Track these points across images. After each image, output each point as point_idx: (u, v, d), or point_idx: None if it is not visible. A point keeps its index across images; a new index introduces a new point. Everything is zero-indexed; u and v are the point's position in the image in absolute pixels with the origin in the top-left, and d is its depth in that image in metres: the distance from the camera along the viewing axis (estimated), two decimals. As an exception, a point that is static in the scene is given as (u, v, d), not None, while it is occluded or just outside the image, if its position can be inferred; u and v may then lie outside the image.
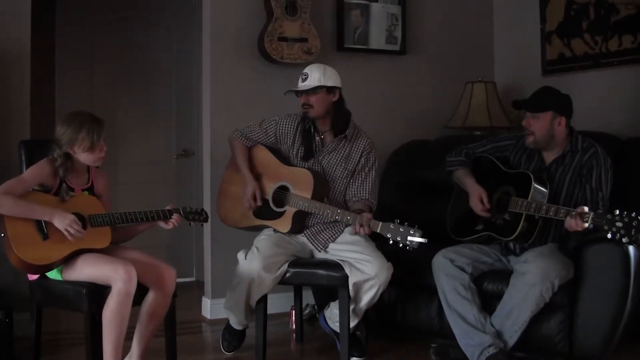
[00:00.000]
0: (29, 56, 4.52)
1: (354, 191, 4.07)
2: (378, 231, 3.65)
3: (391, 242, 3.58)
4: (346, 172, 4.07)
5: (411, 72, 5.59)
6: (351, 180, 4.09)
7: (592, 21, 5.05)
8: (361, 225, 3.67)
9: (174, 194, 6.22)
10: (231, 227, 4.24)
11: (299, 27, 4.98)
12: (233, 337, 4.23)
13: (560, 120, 3.79)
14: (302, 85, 3.98)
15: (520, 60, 5.65)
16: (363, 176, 4.07)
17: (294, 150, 4.12)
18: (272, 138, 4.18)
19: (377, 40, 5.42)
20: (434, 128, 5.51)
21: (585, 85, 5.06)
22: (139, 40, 6.25)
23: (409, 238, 3.52)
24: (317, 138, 4.10)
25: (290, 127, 4.14)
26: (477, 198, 3.90)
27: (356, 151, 4.08)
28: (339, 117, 4.07)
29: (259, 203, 4.04)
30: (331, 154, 4.08)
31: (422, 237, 3.51)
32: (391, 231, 3.58)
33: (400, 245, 3.55)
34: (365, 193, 4.06)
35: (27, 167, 3.64)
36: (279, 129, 4.16)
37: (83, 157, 3.47)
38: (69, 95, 6.04)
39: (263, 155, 4.18)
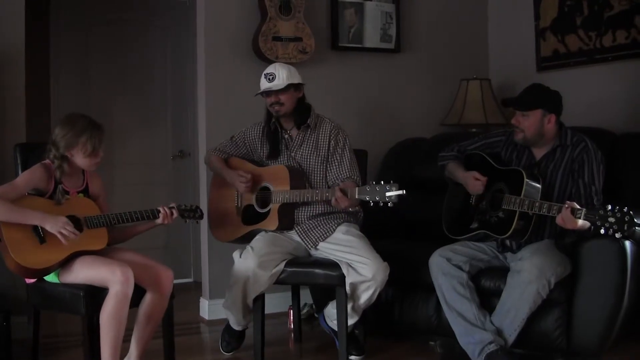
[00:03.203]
0: (24, 59, 4.52)
1: (335, 174, 4.10)
2: (357, 196, 3.71)
3: (372, 203, 3.63)
4: (320, 159, 4.11)
5: (406, 70, 5.59)
6: (328, 166, 4.12)
7: (586, 17, 5.05)
8: (336, 199, 3.76)
9: (170, 194, 6.20)
10: (226, 242, 4.26)
11: (293, 26, 4.98)
12: (232, 338, 4.23)
13: (550, 118, 3.80)
14: (274, 85, 4.02)
15: (515, 57, 5.66)
16: (338, 158, 4.11)
17: (264, 153, 4.19)
18: (243, 149, 4.28)
19: (371, 38, 5.42)
20: (429, 126, 5.51)
21: (580, 81, 5.07)
22: (134, 42, 6.26)
23: (387, 194, 3.57)
24: (286, 136, 4.15)
25: (257, 133, 4.24)
26: (473, 178, 3.91)
27: (323, 137, 4.13)
28: (302, 111, 4.14)
29: (248, 176, 4.05)
30: (302, 147, 4.13)
31: (399, 189, 3.55)
32: (368, 193, 3.64)
33: (381, 203, 3.60)
34: (346, 172, 4.09)
35: (22, 170, 3.65)
36: (247, 138, 4.26)
37: (81, 161, 3.48)
38: (64, 97, 6.03)
39: (238, 164, 4.25)
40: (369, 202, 3.64)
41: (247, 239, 4.09)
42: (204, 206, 4.82)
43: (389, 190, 3.56)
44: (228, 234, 4.23)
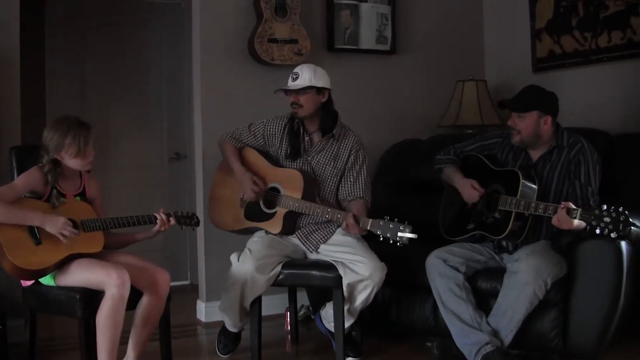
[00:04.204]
0: (19, 62, 4.51)
1: (348, 191, 4.07)
2: (368, 228, 3.68)
3: (381, 238, 3.61)
4: (335, 170, 4.08)
5: (402, 71, 5.60)
6: (342, 180, 4.09)
7: (581, 18, 5.06)
8: (347, 224, 3.72)
9: (166, 197, 6.22)
10: (224, 230, 4.24)
11: (289, 28, 4.98)
12: (228, 340, 4.22)
13: (546, 119, 3.80)
14: (293, 85, 3.99)
15: (511, 58, 5.67)
16: (354, 175, 4.08)
17: (282, 150, 4.13)
18: (261, 140, 4.19)
19: (367, 40, 5.43)
20: (425, 127, 5.52)
21: (576, 82, 5.08)
22: (130, 44, 6.25)
23: (399, 234, 3.54)
24: (307, 138, 4.10)
25: (278, 129, 4.16)
26: (470, 187, 3.91)
27: (344, 150, 4.09)
28: (327, 117, 4.08)
29: (262, 186, 4.03)
30: (320, 154, 4.09)
31: (412, 232, 3.53)
32: (381, 228, 3.61)
33: (391, 241, 3.58)
34: (359, 191, 4.06)
35: (18, 174, 3.64)
36: (267, 131, 4.17)
37: (71, 162, 3.47)
38: (60, 100, 6.03)
39: (253, 157, 4.19)
40: (379, 236, 3.63)
41: (245, 232, 4.10)
42: (200, 209, 4.83)
43: (402, 231, 3.54)
44: (227, 223, 4.21)
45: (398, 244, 3.56)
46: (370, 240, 3.95)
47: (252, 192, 4.01)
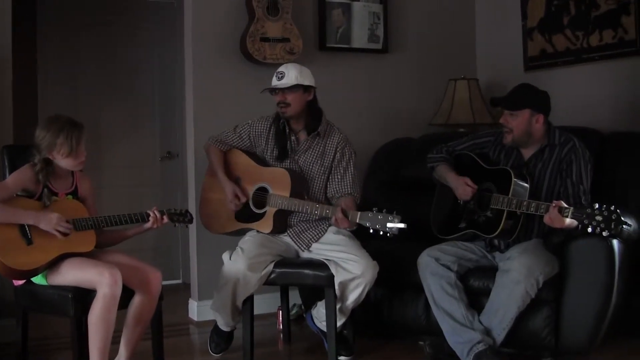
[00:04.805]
0: (10, 60, 4.49)
1: (336, 187, 4.08)
2: (357, 221, 3.69)
3: (371, 230, 3.61)
4: (323, 168, 4.08)
5: (394, 70, 5.60)
6: (330, 177, 4.10)
7: (573, 17, 5.07)
8: (336, 219, 3.73)
9: (158, 196, 6.20)
10: (215, 233, 4.25)
11: (280, 27, 4.98)
12: (221, 339, 4.22)
13: (538, 118, 3.81)
14: (280, 84, 3.99)
15: (502, 57, 5.68)
16: (342, 171, 4.09)
17: (269, 151, 4.13)
18: (247, 142, 4.20)
19: (359, 39, 5.43)
20: (417, 126, 5.51)
21: (567, 81, 5.10)
22: (122, 43, 6.23)
23: (389, 225, 3.55)
24: (293, 137, 4.11)
25: (264, 129, 4.16)
26: (464, 184, 3.91)
27: (330, 147, 4.10)
28: (313, 115, 4.09)
29: (243, 200, 4.05)
30: (307, 153, 4.09)
31: (401, 222, 3.54)
32: (370, 220, 3.61)
33: (381, 232, 3.59)
34: (347, 188, 4.07)
35: (10, 173, 3.63)
36: (253, 132, 4.18)
37: (63, 162, 3.45)
38: (52, 99, 6.00)
39: (239, 159, 4.20)
40: (368, 228, 3.63)
41: (236, 234, 4.10)
42: (192, 207, 4.82)
43: (391, 222, 3.55)
44: (218, 226, 4.21)
45: (388, 234, 3.57)
46: (363, 239, 3.96)
47: (232, 206, 4.05)
